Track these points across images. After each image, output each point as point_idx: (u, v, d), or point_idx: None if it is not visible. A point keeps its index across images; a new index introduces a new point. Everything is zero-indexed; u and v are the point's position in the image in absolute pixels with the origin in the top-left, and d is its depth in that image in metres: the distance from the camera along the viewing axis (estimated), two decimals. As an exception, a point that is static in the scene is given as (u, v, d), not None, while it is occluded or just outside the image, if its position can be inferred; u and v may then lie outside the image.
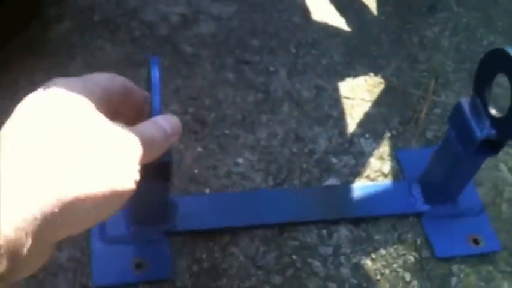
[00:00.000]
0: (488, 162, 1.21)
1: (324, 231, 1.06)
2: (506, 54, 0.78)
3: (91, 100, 0.49)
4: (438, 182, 1.01)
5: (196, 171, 1.10)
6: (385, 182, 1.12)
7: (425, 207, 1.07)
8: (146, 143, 0.51)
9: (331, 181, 1.10)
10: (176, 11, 1.37)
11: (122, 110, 0.58)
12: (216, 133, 1.17)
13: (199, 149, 1.14)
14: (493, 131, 0.84)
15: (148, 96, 0.65)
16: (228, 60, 1.31)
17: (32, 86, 0.50)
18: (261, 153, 1.16)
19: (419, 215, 1.08)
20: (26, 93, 0.48)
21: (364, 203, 1.06)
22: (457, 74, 1.39)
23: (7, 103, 1.05)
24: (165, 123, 0.57)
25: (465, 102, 0.89)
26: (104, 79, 0.55)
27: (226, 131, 1.18)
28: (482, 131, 0.85)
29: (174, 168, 0.88)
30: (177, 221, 0.97)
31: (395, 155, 1.17)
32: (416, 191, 1.07)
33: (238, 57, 1.32)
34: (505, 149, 1.25)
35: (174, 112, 1.16)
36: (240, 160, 1.14)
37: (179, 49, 1.30)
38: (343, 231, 1.07)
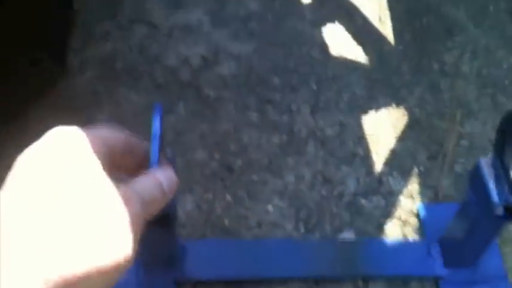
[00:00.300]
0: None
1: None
2: None
3: (93, 154, 0.47)
4: (458, 245, 0.98)
5: (226, 222, 1.10)
6: (404, 240, 1.10)
7: (443, 272, 1.03)
8: (146, 203, 0.50)
9: (346, 234, 1.09)
10: (196, 53, 1.38)
11: (124, 162, 0.56)
12: (244, 179, 1.17)
13: (229, 197, 1.14)
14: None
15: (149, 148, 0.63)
16: (251, 100, 1.31)
17: None
18: (290, 198, 1.16)
19: (437, 279, 1.04)
20: None
21: (382, 260, 1.04)
22: (480, 101, 1.38)
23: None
24: (165, 181, 0.55)
25: (484, 164, 0.85)
26: (106, 132, 0.53)
27: (254, 177, 1.18)
28: (501, 197, 0.81)
29: (178, 218, 0.87)
30: (186, 268, 0.96)
31: (417, 210, 1.15)
32: (436, 251, 1.04)
33: (261, 96, 1.33)
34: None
35: (200, 159, 1.17)
36: (270, 207, 1.14)
37: (202, 93, 1.31)
38: None
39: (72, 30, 1.25)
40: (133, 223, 0.46)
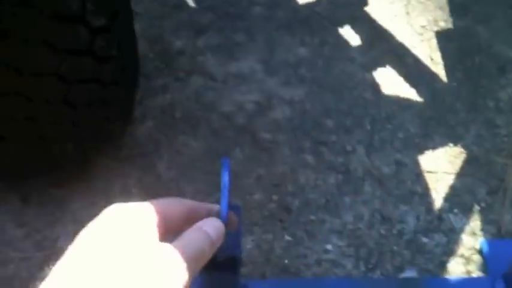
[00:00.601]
0: None
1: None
2: None
3: (148, 230, 0.51)
4: None
5: (286, 261, 1.11)
6: (467, 277, 1.08)
7: (508, 308, 1.00)
8: (196, 256, 0.52)
9: (409, 273, 1.07)
10: (250, 99, 1.43)
11: (186, 227, 0.59)
12: (302, 219, 1.18)
13: (288, 237, 1.15)
14: None
15: (211, 208, 0.66)
16: (306, 143, 1.34)
17: (126, 193, 0.53)
18: (349, 237, 1.15)
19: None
20: (120, 200, 0.51)
21: None
22: (540, 136, 1.35)
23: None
24: (211, 229, 0.57)
25: None
26: (165, 207, 0.57)
27: (312, 217, 1.19)
28: None
29: (244, 261, 0.88)
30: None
31: (480, 247, 1.13)
32: (501, 287, 1.01)
33: (315, 139, 1.35)
34: None
35: (258, 201, 1.19)
36: (329, 246, 1.14)
37: (258, 137, 1.34)
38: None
39: (139, 83, 1.32)
40: (180, 282, 0.50)
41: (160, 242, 0.52)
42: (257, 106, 1.41)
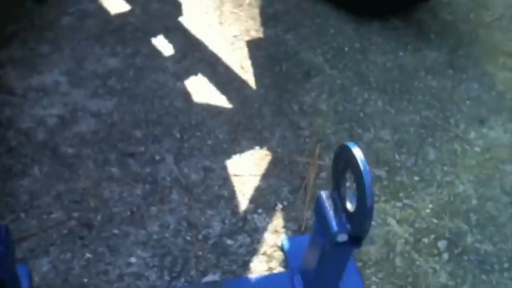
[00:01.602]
0: (377, 217, 1.25)
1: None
2: (350, 150, 0.79)
3: None
4: (315, 273, 0.99)
5: (85, 280, 1.06)
6: (267, 274, 1.12)
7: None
8: None
9: (211, 277, 1.09)
10: (53, 113, 1.35)
11: None
12: (105, 235, 1.14)
13: (88, 254, 1.10)
14: (349, 226, 0.84)
15: None
16: (112, 155, 1.30)
17: None
18: (154, 247, 1.13)
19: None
20: None
21: None
22: (338, 135, 1.45)
23: None
24: None
25: (325, 196, 0.89)
26: None
27: (115, 231, 1.15)
28: (339, 226, 0.85)
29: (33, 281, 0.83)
30: None
31: (281, 244, 1.17)
32: (298, 282, 1.06)
33: (122, 150, 1.32)
34: (392, 202, 1.31)
35: (56, 219, 1.13)
36: (133, 259, 1.11)
37: (59, 152, 1.27)
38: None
39: None
40: None
41: None
42: (60, 120, 1.34)
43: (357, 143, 0.85)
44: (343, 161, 0.84)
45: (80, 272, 1.07)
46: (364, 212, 0.78)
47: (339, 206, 0.87)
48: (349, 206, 0.85)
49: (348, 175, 0.86)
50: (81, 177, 1.23)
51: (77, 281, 1.05)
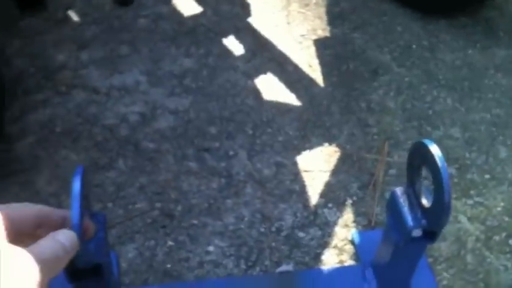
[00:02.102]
0: (447, 214, 1.27)
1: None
2: (426, 147, 0.81)
3: None
4: (387, 267, 1.02)
5: (169, 265, 1.13)
6: (339, 266, 1.15)
7: (377, 295, 1.06)
8: (49, 261, 0.56)
9: (285, 267, 1.13)
10: (134, 111, 1.44)
11: (40, 232, 0.62)
12: (185, 224, 1.21)
13: (170, 242, 1.18)
14: (424, 221, 0.86)
15: (66, 214, 0.68)
16: (189, 150, 1.37)
17: None
18: (230, 238, 1.20)
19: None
20: None
21: None
22: (406, 132, 1.47)
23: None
24: (64, 238, 0.60)
25: (399, 192, 0.91)
26: (13, 209, 0.59)
27: (194, 221, 1.22)
28: (414, 221, 0.87)
29: (120, 266, 0.88)
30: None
31: (351, 238, 1.21)
32: (370, 275, 1.08)
33: (199, 146, 1.39)
34: (463, 199, 1.32)
35: (141, 209, 1.21)
36: (211, 248, 1.17)
37: (141, 147, 1.36)
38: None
39: (5, 103, 1.30)
40: (32, 283, 0.52)
41: (9, 244, 0.53)
42: (141, 117, 1.43)
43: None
44: (419, 157, 0.86)
45: (163, 258, 1.14)
46: (441, 208, 0.81)
47: (413, 202, 0.90)
48: (425, 202, 0.87)
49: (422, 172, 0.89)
50: (162, 170, 1.31)
51: (160, 267, 1.13)
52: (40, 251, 0.57)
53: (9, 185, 1.22)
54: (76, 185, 0.70)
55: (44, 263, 0.55)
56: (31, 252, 0.55)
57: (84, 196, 0.69)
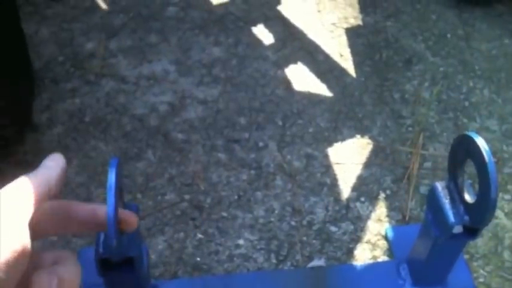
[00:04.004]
0: (485, 210, 1.22)
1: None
2: (472, 140, 0.77)
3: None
4: (424, 263, 0.98)
5: (198, 258, 1.12)
6: (373, 262, 1.12)
7: (412, 291, 1.03)
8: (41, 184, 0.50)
9: (317, 262, 1.11)
10: (163, 100, 1.43)
11: (70, 225, 0.58)
12: (214, 217, 1.19)
13: (200, 235, 1.16)
14: (466, 217, 0.82)
15: (94, 208, 0.65)
16: (218, 141, 1.35)
17: None
18: (261, 231, 1.17)
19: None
20: None
21: (352, 285, 1.05)
22: (442, 124, 1.42)
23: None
24: (49, 161, 0.56)
25: (440, 187, 0.88)
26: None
27: (224, 214, 1.20)
28: (456, 217, 0.83)
29: (150, 259, 0.88)
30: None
31: (385, 233, 1.17)
32: (405, 272, 1.05)
33: (228, 137, 1.36)
34: (500, 194, 1.27)
35: (170, 201, 1.19)
36: (241, 241, 1.15)
37: (170, 137, 1.34)
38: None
39: (35, 91, 1.30)
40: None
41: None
42: (170, 107, 1.41)
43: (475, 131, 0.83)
44: (463, 151, 0.82)
45: (192, 251, 1.13)
46: (486, 204, 0.77)
47: (455, 197, 0.86)
48: (468, 198, 0.84)
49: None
50: (191, 161, 1.29)
51: (190, 260, 1.11)
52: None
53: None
54: (111, 178, 0.68)
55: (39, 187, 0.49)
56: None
57: (119, 189, 0.68)
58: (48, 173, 0.53)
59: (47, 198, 0.55)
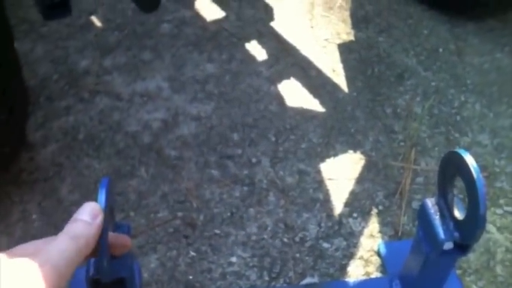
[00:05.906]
0: (476, 225, 1.23)
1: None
2: (461, 157, 0.77)
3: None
4: (416, 279, 0.98)
5: (191, 277, 1.12)
6: (366, 278, 1.12)
7: (405, 310, 1.03)
8: (61, 265, 0.51)
9: (309, 279, 1.11)
10: (157, 117, 1.43)
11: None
12: (207, 234, 1.20)
13: (192, 253, 1.16)
14: (457, 234, 0.82)
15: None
16: (211, 157, 1.36)
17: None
18: (253, 248, 1.18)
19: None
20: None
21: None
22: (433, 139, 1.43)
23: (1, 237, 1.09)
24: (84, 215, 0.56)
25: (430, 203, 0.87)
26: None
27: (217, 231, 1.20)
28: (446, 234, 0.83)
29: (143, 277, 0.89)
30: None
31: (377, 248, 1.18)
32: (397, 287, 1.05)
33: (221, 153, 1.37)
34: (492, 208, 1.28)
35: (162, 218, 1.20)
36: (234, 259, 1.16)
37: (163, 154, 1.35)
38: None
39: (29, 110, 1.30)
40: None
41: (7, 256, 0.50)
42: (163, 124, 1.42)
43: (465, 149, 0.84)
44: (452, 167, 0.83)
45: (185, 269, 1.13)
46: (475, 221, 0.78)
47: (445, 214, 0.87)
48: (458, 214, 0.84)
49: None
50: (184, 178, 1.30)
51: (183, 278, 1.12)
52: (49, 256, 0.52)
53: (32, 193, 1.22)
54: (101, 197, 0.68)
55: (54, 267, 0.51)
56: (38, 258, 0.51)
57: (110, 208, 0.68)
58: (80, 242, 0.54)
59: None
